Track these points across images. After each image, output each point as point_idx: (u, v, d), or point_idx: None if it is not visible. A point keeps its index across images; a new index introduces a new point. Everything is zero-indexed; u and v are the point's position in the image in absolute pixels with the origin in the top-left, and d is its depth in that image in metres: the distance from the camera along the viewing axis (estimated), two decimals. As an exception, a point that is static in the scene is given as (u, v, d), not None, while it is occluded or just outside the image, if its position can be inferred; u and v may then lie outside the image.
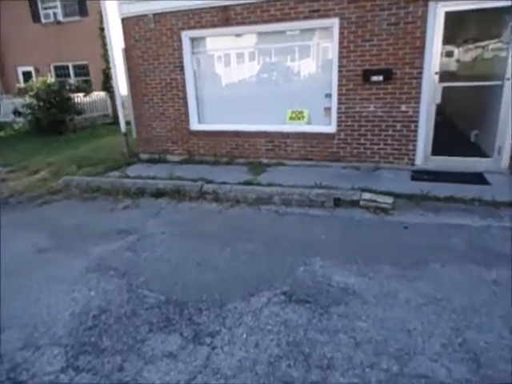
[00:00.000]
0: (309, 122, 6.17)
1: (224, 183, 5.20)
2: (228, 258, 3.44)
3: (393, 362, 2.12)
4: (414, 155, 5.69)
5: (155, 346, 2.35)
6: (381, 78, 5.39)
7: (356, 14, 5.32)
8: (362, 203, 4.42)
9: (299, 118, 6.20)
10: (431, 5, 5.06)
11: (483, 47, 6.52)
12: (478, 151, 5.96)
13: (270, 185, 5.04)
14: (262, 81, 6.49)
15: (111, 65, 7.28)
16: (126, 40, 6.82)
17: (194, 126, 6.87)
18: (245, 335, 2.40)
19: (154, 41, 6.59)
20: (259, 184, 5.14)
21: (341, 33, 5.48)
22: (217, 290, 2.92)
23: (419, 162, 5.71)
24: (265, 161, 6.39)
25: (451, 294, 2.76)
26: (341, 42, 5.51)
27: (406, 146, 5.66)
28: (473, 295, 2.74)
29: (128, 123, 7.46)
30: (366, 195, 4.45)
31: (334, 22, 5.49)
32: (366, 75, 5.45)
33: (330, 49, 5.73)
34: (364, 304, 2.67)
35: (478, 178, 5.18)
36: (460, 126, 7.56)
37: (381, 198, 4.37)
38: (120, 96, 7.36)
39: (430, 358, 2.14)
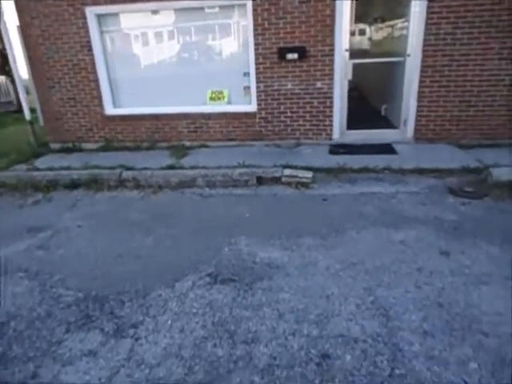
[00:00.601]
0: (229, 102, 6.12)
1: (145, 169, 5.00)
2: (151, 246, 3.34)
3: (313, 327, 2.23)
4: (331, 130, 5.94)
5: (73, 347, 2.21)
6: (296, 55, 5.49)
7: (268, -9, 5.32)
8: (283, 179, 4.54)
9: (219, 98, 6.12)
10: (338, -17, 5.22)
11: (391, 26, 6.92)
12: (387, 124, 6.41)
13: (193, 167, 4.95)
14: (181, 61, 6.26)
15: (6, 45, 6.49)
16: (20, 17, 6.10)
17: (110, 110, 6.45)
18: (170, 322, 2.36)
19: (55, 18, 5.99)
20: (182, 167, 5.02)
21: (254, 10, 5.44)
22: (140, 279, 2.83)
23: (336, 136, 5.99)
24: (187, 143, 6.25)
25: (365, 257, 2.96)
26: (255, 20, 5.49)
27: (324, 122, 5.89)
28: (383, 256, 2.97)
29: (34, 110, 6.78)
30: (287, 171, 4.57)
31: (247, -1, 5.44)
32: (282, 53, 5.51)
33: (247, 27, 5.68)
34: (287, 276, 2.77)
35: (387, 149, 5.58)
36: (372, 101, 8.06)
37: (301, 173, 4.52)
38: (21, 80, 6.63)
39: (346, 319, 2.30)
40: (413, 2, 5.29)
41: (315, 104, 5.80)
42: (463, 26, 5.19)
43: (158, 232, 3.57)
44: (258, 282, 2.71)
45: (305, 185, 4.45)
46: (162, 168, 5.03)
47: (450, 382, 1.83)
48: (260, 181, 4.57)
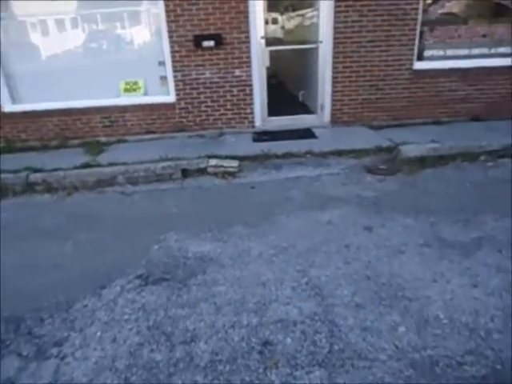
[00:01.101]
0: (146, 93, 5.81)
1: (56, 170, 4.54)
2: (71, 253, 3.05)
3: (252, 316, 2.22)
4: (253, 118, 5.96)
5: (-16, 379, 1.93)
6: (212, 43, 5.36)
7: (177, -25, 5.09)
8: (209, 170, 4.45)
9: (135, 90, 5.77)
10: (248, -31, 5.19)
11: (303, 14, 7.06)
12: (306, 109, 6.61)
13: (111, 164, 4.62)
14: (89, 51, 5.75)
15: None
16: None
17: (7, 107, 5.74)
18: (99, 333, 2.17)
19: None
20: (99, 165, 4.66)
21: (164, -7, 5.19)
22: (60, 291, 2.56)
23: (258, 123, 6.03)
24: (103, 139, 5.82)
25: (296, 241, 3.03)
26: (167, 6, 5.23)
27: (245, 110, 5.88)
28: (313, 237, 3.07)
29: None
30: (213, 161, 4.49)
31: (156, -18, 5.17)
32: (197, 41, 5.35)
33: (159, 14, 5.38)
34: (221, 268, 2.72)
35: (308, 133, 5.77)
36: (289, 88, 8.25)
37: (227, 163, 4.47)
38: None
39: (284, 303, 2.32)
40: (321, -10, 5.46)
41: (235, 92, 5.75)
42: (368, 13, 5.51)
43: (77, 237, 3.27)
44: (192, 277, 2.63)
45: (231, 174, 4.42)
46: (76, 167, 4.62)
47: (383, 349, 1.95)
48: (185, 173, 4.43)
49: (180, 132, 5.86)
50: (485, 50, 6.06)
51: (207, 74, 5.59)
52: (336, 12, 5.47)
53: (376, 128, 5.95)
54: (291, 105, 6.90)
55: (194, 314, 2.27)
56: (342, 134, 5.73)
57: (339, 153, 4.94)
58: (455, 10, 5.79)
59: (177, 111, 5.78)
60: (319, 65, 5.89)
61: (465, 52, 6.04)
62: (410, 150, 4.49)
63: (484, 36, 5.95)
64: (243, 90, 5.75)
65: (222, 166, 4.44)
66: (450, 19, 5.86)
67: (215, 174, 4.42)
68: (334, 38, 5.63)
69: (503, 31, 5.96)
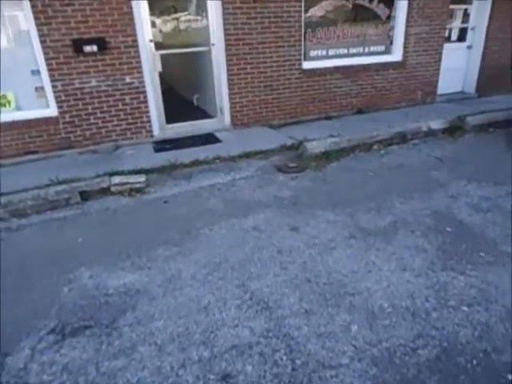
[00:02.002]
0: (19, 108, 4.97)
1: None
2: (-51, 318, 2.39)
3: (202, 349, 2.00)
4: (150, 126, 5.57)
5: None
6: (95, 47, 4.82)
7: (43, -29, 4.44)
8: (113, 189, 3.99)
9: (4, 105, 4.89)
10: (127, -33, 4.79)
11: (193, 17, 6.76)
12: (204, 114, 6.45)
13: (-15, 197, 3.81)
14: None
15: None
16: None
17: None
18: (12, 416, 1.71)
19: None
20: (-31, 199, 3.81)
21: (29, -7, 4.49)
22: None
23: (157, 132, 5.67)
24: (-32, 166, 4.81)
25: (226, 253, 2.87)
26: (34, 6, 4.53)
27: (141, 119, 5.46)
28: (243, 247, 2.94)
29: None
30: (116, 179, 4.04)
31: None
32: (77, 45, 4.76)
33: (25, 15, 4.62)
34: (152, 300, 2.41)
35: (211, 138, 5.62)
36: (182, 93, 7.98)
37: (132, 179, 4.07)
38: None
39: (232, 326, 2.15)
40: (207, -8, 5.34)
41: (128, 100, 5.29)
42: (256, 16, 5.58)
43: (-46, 295, 2.59)
44: (121, 317, 2.27)
45: (140, 190, 4.03)
46: None
47: (343, 352, 1.93)
48: (85, 196, 3.89)
49: (68, 149, 5.16)
50: (360, 50, 6.68)
51: (93, 83, 5.02)
52: (225, 14, 5.42)
53: (276, 127, 6.10)
54: (188, 110, 6.68)
55: (133, 362, 1.95)
56: (245, 135, 5.72)
57: (247, 155, 4.90)
58: (330, 14, 6.23)
59: (61, 126, 5.08)
60: (213, 68, 5.78)
61: (344, 51, 6.56)
62: (314, 147, 4.67)
63: (358, 37, 6.55)
64: (137, 98, 5.32)
65: (127, 183, 4.02)
66: (328, 22, 6.30)
67: (121, 193, 3.98)
68: (226, 40, 5.58)
69: (373, 32, 6.64)
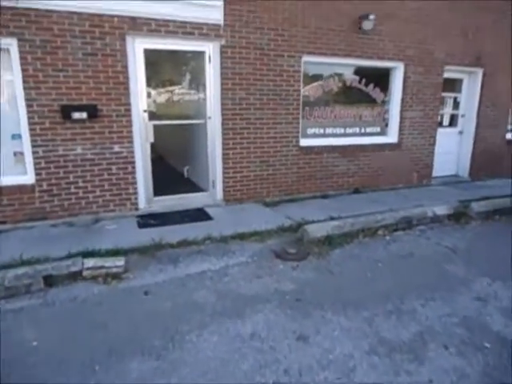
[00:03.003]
0: (-9, 173, 4.50)
1: None
2: None
3: None
4: (136, 199, 5.13)
5: None
6: (84, 115, 4.54)
7: (41, 37, 4.26)
8: (86, 273, 3.41)
9: (-26, 169, 4.42)
10: (129, 39, 4.70)
11: (190, 89, 6.65)
12: (195, 187, 6.09)
13: None
14: None
15: None
16: None
17: None
18: None
19: None
20: None
21: (23, 58, 4.26)
22: None
23: (143, 205, 5.22)
24: None
25: (218, 373, 2.27)
26: (25, 70, 4.29)
27: (127, 190, 5.04)
28: (239, 364, 2.35)
29: None
30: (90, 262, 3.47)
31: (11, 43, 4.23)
32: (66, 112, 4.46)
33: (13, 78, 4.36)
34: None
35: (201, 214, 5.18)
36: (173, 163, 7.71)
37: (109, 262, 3.51)
38: None
39: None
40: (207, 66, 5.28)
41: (114, 170, 4.91)
42: (255, 92, 5.50)
43: None
44: None
45: (117, 276, 3.45)
46: None
47: None
48: (50, 281, 3.28)
49: (41, 220, 4.62)
50: (356, 130, 6.64)
51: (78, 150, 4.65)
52: (223, 89, 5.32)
53: (270, 204, 5.74)
54: (178, 182, 6.33)
55: None
56: (239, 212, 5.32)
57: (241, 236, 4.44)
58: (327, 94, 6.25)
59: (37, 194, 4.59)
60: (208, 141, 5.54)
61: (341, 131, 6.50)
62: (315, 230, 4.26)
63: (354, 117, 6.54)
64: (124, 168, 4.95)
65: (102, 267, 3.44)
66: (325, 102, 6.29)
67: (94, 278, 3.39)
68: (223, 114, 5.41)
69: (368, 114, 6.66)
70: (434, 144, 7.20)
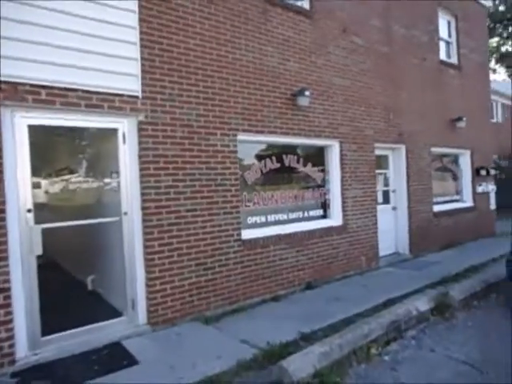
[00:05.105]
0: None
1: None
2: None
3: None
4: (12, 346, 3.32)
5: None
6: None
7: None
8: None
9: None
10: (4, 113, 3.30)
11: (96, 178, 5.00)
12: (105, 307, 4.39)
13: None
14: None
15: None
16: None
17: None
18: None
19: None
20: None
21: None
22: None
23: (24, 353, 3.42)
24: None
25: None
26: None
27: (-5, 335, 3.22)
28: None
29: None
30: None
31: None
32: None
33: None
34: None
35: (119, 355, 3.53)
36: (71, 270, 5.82)
37: None
38: None
39: None
40: (120, 147, 4.03)
41: (-27, 306, 3.12)
42: (184, 178, 4.36)
43: None
44: None
45: None
46: None
47: None
48: None
49: None
50: (299, 214, 5.82)
51: None
52: (143, 176, 4.08)
53: (211, 320, 4.35)
54: (81, 302, 4.51)
55: None
56: (174, 344, 3.79)
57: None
58: (266, 176, 5.40)
59: None
60: (124, 244, 4.10)
61: (284, 217, 5.60)
62: (298, 367, 2.95)
63: (296, 199, 5.74)
64: (-8, 301, 3.19)
65: None
66: (264, 185, 5.43)
67: None
68: (144, 208, 4.11)
69: (310, 196, 5.95)
70: (376, 223, 6.72)
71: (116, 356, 3.50)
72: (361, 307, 4.52)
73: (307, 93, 5.33)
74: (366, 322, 3.64)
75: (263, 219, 5.36)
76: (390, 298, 4.82)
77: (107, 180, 4.35)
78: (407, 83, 7.39)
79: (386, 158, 7.48)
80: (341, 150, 6.15)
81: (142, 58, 4.07)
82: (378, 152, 6.92)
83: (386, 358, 3.36)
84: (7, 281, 3.28)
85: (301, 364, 2.98)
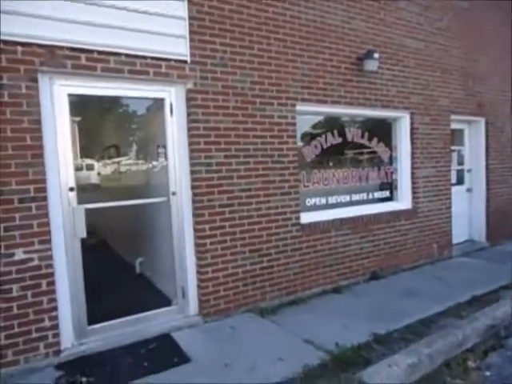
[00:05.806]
0: None
1: None
2: None
3: None
4: (57, 335, 3.06)
5: None
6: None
7: None
8: None
9: None
10: (43, 80, 2.96)
11: (143, 156, 4.74)
12: (153, 292, 4.08)
13: None
14: None
15: None
16: None
17: None
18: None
19: None
20: None
21: None
22: None
23: (70, 343, 3.17)
24: None
25: None
26: None
27: (38, 324, 2.97)
28: None
29: None
30: None
31: None
32: None
33: None
34: None
35: (168, 350, 3.18)
36: (120, 251, 5.62)
37: None
38: None
39: None
40: (168, 120, 3.60)
41: (14, 293, 2.87)
42: (237, 154, 3.87)
43: None
44: None
45: None
46: None
47: None
48: None
49: None
50: (363, 196, 5.16)
51: None
52: (193, 152, 3.64)
53: (267, 312, 3.91)
54: (129, 288, 4.24)
55: None
56: (228, 339, 3.38)
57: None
58: (326, 153, 4.79)
59: None
60: (174, 227, 3.71)
61: (346, 199, 4.98)
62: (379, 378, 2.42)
63: (360, 180, 5.08)
64: (33, 287, 2.93)
65: None
66: (324, 163, 4.84)
67: None
68: (193, 187, 3.68)
69: (375, 175, 5.26)
70: (450, 207, 5.90)
71: (166, 350, 3.16)
72: (441, 305, 3.87)
73: (376, 55, 4.59)
74: (458, 327, 3.00)
75: (323, 201, 4.78)
76: (474, 294, 4.11)
77: (153, 156, 3.97)
78: (490, 45, 6.34)
79: (460, 132, 6.54)
80: (411, 123, 5.36)
81: (190, 17, 3.56)
82: (452, 126, 6.01)
83: (488, 373, 2.72)
84: (50, 266, 3.00)
85: (386, 379, 2.43)
